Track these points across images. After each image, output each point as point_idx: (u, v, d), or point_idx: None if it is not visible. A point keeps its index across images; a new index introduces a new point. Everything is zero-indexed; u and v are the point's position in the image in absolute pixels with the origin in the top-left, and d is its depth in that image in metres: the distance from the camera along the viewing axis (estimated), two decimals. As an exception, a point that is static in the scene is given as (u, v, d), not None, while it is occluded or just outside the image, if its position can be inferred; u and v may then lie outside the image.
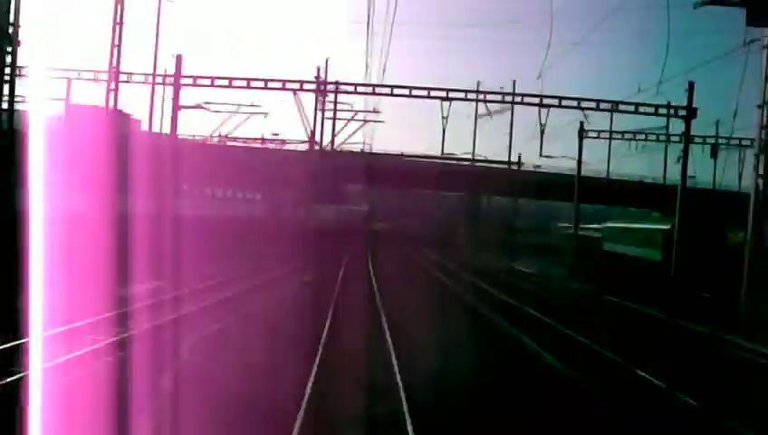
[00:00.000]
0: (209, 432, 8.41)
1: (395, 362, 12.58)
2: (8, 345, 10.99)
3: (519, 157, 52.55)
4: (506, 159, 48.63)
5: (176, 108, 27.40)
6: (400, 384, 10.83)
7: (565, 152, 44.50)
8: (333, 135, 44.32)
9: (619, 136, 42.30)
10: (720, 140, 42.95)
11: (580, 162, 42.08)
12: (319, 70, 39.76)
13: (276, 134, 47.61)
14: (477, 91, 30.65)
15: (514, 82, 38.83)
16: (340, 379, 11.35)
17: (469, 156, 48.47)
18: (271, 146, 46.18)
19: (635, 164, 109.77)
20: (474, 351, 15.31)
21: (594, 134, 40.98)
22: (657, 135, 41.07)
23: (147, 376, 10.32)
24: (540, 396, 11.52)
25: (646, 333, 20.53)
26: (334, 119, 43.17)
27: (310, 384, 10.48)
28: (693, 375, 14.13)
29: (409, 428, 8.68)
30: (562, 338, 17.78)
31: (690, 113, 26.63)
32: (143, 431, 8.17)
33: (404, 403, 9.75)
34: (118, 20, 22.93)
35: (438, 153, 41.64)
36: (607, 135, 42.30)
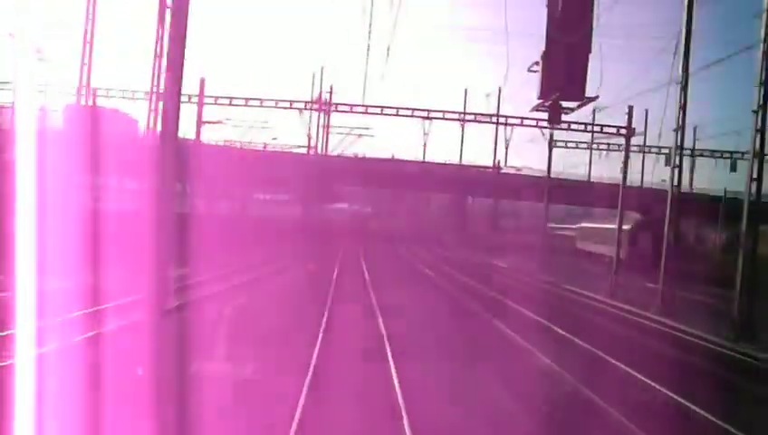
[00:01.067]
0: (271, 346, 13.62)
1: (374, 303, 17.92)
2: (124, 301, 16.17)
3: (498, 162, 58.12)
4: (489, 164, 54.28)
5: (199, 123, 32.58)
6: (374, 304, 16.13)
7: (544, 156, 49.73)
8: (326, 141, 49.92)
9: (584, 146, 47.74)
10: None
11: (549, 168, 47.33)
12: (321, 92, 45.22)
13: (275, 138, 53.32)
14: (454, 112, 36.11)
15: (499, 94, 44.28)
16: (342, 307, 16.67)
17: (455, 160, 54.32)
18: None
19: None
20: (424, 301, 21.00)
21: (562, 144, 46.46)
22: (619, 146, 46.36)
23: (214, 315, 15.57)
24: (459, 324, 16.84)
25: (543, 297, 27.26)
26: (327, 127, 48.75)
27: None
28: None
29: (384, 335, 13.96)
30: (493, 300, 24.26)
31: (629, 132, 31.90)
32: (221, 346, 13.33)
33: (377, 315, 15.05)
34: (158, 52, 27.93)
35: (432, 159, 47.60)
36: (574, 144, 47.87)
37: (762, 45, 19.52)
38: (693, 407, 11.06)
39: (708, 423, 10.41)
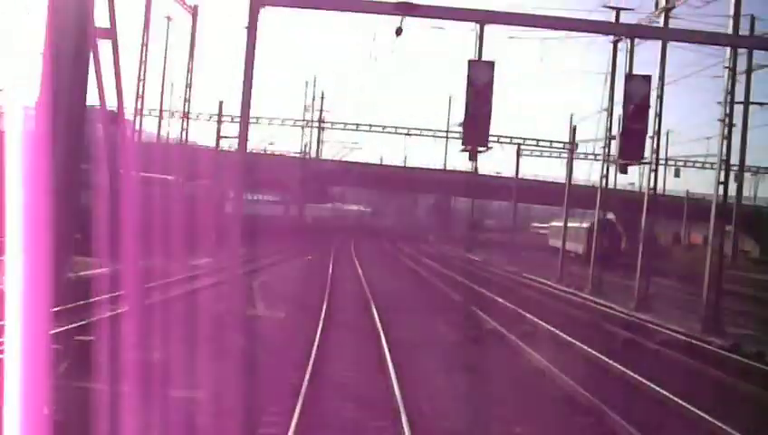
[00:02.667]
0: (289, 305, 20.25)
1: (364, 282, 24.59)
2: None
3: (476, 167, 64.92)
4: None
5: (218, 137, 39.21)
6: (364, 283, 22.83)
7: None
8: (319, 151, 57.01)
9: (548, 154, 54.73)
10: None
11: (517, 173, 54.25)
12: (321, 112, 52.37)
13: (272, 144, 60.42)
14: (430, 129, 43.12)
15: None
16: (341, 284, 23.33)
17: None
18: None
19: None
20: (401, 281, 27.57)
21: (528, 152, 53.63)
22: (586, 154, 53.83)
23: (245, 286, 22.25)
24: (425, 294, 23.51)
25: (498, 280, 34.00)
26: (319, 136, 55.93)
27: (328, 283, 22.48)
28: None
29: (369, 297, 20.67)
30: (454, 280, 30.55)
31: (572, 147, 38.78)
32: (258, 302, 19.94)
33: (365, 288, 21.76)
34: (189, 83, 34.61)
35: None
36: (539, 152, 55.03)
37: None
38: (561, 334, 17.75)
39: (563, 340, 17.11)
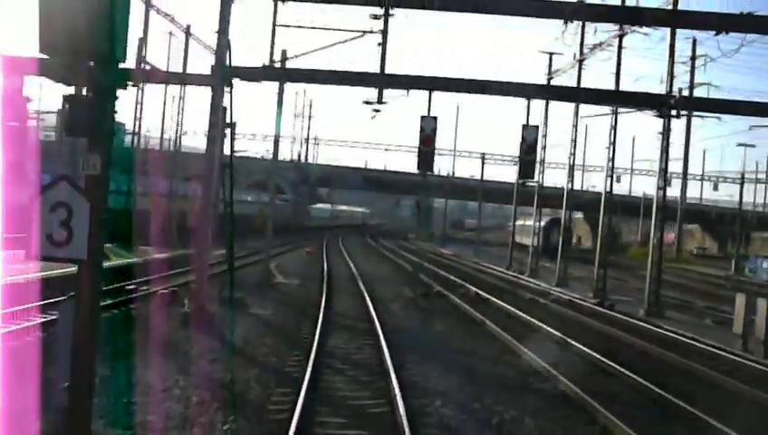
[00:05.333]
0: (300, 278, 28.96)
1: (352, 265, 33.33)
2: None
3: (454, 171, 73.95)
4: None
5: (232, 151, 47.71)
6: (351, 266, 31.59)
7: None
8: (307, 153, 65.80)
9: (510, 163, 63.98)
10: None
11: (482, 176, 63.35)
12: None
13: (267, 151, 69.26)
14: (405, 145, 51.78)
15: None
16: (335, 267, 32.05)
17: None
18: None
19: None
20: (380, 265, 36.29)
21: (492, 162, 62.82)
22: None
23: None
24: (397, 273, 32.24)
25: (458, 267, 41.77)
26: (308, 147, 64.82)
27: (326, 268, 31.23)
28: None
29: (356, 274, 29.48)
30: (422, 266, 39.00)
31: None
32: (278, 275, 28.63)
33: (353, 269, 30.55)
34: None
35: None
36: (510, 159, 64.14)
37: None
38: (486, 295, 26.53)
39: (484, 297, 25.92)
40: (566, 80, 36.75)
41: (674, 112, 21.18)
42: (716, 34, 18.88)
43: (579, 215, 76.58)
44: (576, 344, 17.03)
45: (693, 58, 41.43)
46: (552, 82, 39.00)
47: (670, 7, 24.04)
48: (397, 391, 11.00)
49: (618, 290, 33.61)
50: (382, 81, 20.98)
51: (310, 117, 66.08)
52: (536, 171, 44.11)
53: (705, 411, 11.25)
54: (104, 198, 5.81)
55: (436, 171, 74.01)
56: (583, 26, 30.72)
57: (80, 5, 5.40)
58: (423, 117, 24.35)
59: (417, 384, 12.23)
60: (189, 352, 13.73)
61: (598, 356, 15.71)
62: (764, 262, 47.54)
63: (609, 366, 14.91)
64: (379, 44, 19.92)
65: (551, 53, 39.61)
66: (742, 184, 60.54)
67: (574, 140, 36.32)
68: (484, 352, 16.42)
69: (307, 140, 64.75)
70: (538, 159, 36.16)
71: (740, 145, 57.36)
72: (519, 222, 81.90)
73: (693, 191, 79.68)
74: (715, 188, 72.87)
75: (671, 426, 11.21)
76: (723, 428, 10.45)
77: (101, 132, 5.68)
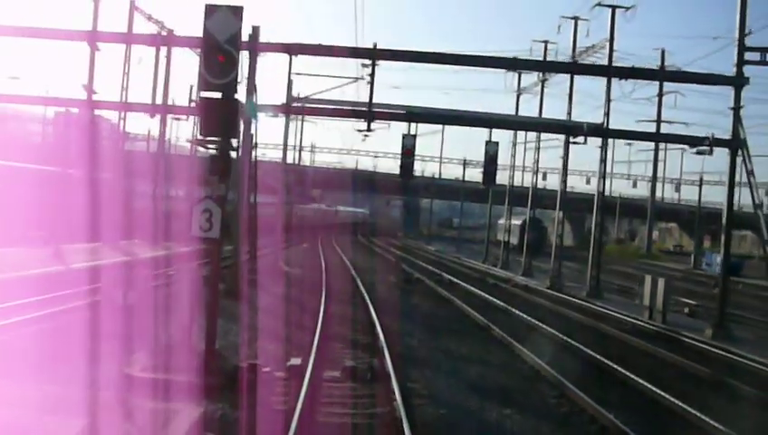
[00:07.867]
0: (302, 268, 34.52)
1: (345, 259, 38.93)
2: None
3: (441, 171, 79.48)
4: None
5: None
6: (345, 259, 37.21)
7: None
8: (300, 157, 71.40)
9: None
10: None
11: (464, 178, 69.02)
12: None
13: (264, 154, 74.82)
14: (392, 153, 57.55)
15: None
16: (330, 259, 37.65)
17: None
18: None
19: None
20: (371, 258, 41.95)
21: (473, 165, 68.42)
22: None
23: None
24: (384, 264, 37.83)
25: (438, 261, 47.45)
26: (300, 149, 70.40)
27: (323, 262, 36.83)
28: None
29: (349, 266, 35.12)
30: (405, 259, 44.58)
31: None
32: (284, 265, 34.17)
33: (346, 261, 36.19)
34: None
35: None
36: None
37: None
38: (458, 281, 32.13)
39: (456, 282, 31.51)
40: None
41: (581, 139, 27.26)
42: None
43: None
44: (516, 311, 22.72)
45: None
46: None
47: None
48: (379, 330, 16.61)
49: (577, 280, 39.28)
50: (370, 114, 26.39)
51: (302, 131, 71.34)
52: (508, 175, 50.35)
53: (595, 350, 16.68)
54: (224, 207, 11.40)
55: (424, 174, 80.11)
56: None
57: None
58: (404, 135, 29.86)
59: (391, 328, 17.84)
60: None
61: (528, 318, 21.41)
62: (718, 257, 53.45)
63: (533, 323, 20.61)
64: (368, 83, 25.33)
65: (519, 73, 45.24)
66: (700, 186, 66.58)
67: (538, 148, 42.06)
68: (444, 315, 22.10)
69: (300, 147, 70.42)
70: (509, 164, 42.30)
71: (698, 153, 62.89)
72: (501, 221, 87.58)
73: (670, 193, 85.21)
74: (677, 189, 79.15)
75: (562, 354, 16.84)
76: (606, 361, 16.03)
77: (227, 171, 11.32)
